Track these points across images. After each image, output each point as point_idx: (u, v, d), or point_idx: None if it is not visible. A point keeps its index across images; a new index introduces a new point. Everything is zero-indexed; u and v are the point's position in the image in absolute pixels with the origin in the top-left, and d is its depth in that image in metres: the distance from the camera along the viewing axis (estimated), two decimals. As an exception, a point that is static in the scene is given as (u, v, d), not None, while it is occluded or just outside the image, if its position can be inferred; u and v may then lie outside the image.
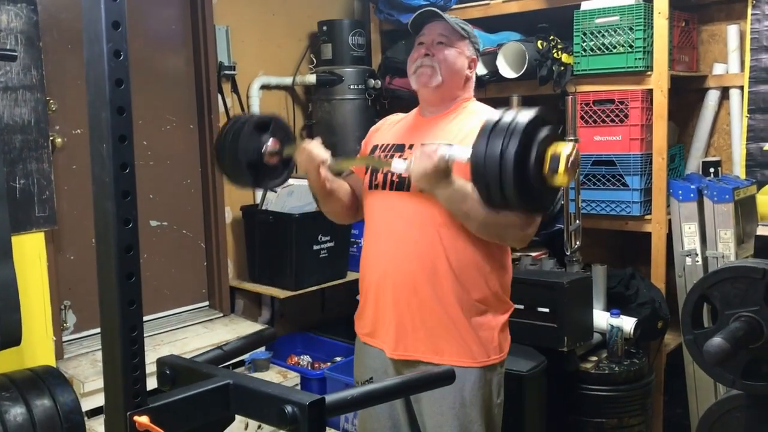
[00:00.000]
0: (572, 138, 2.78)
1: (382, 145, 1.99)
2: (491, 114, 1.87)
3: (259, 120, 1.88)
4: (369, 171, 1.97)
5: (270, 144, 1.84)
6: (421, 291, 1.84)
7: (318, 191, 1.97)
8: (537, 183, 1.37)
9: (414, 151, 1.69)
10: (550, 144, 1.37)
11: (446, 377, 1.38)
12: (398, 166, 1.71)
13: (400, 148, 1.93)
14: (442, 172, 1.63)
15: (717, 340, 1.41)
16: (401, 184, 1.87)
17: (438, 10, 1.90)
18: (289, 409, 1.15)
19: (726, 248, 2.80)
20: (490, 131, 1.41)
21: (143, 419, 1.08)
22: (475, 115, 1.88)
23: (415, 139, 1.90)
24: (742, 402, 1.62)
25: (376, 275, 1.93)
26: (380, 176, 1.92)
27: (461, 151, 1.57)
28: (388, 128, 2.07)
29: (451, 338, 1.84)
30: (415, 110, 2.05)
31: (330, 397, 1.19)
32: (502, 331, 1.90)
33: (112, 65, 1.02)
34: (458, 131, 1.85)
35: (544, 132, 1.38)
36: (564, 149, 1.36)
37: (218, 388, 1.23)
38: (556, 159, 1.35)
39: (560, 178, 1.35)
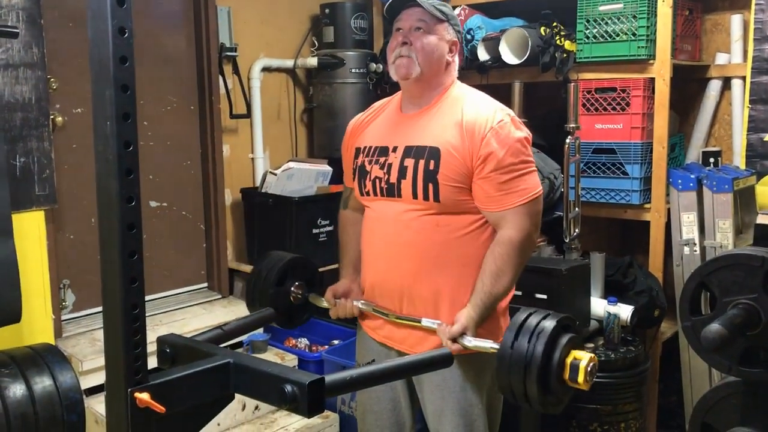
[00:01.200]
0: (573, 125, 2.77)
1: (365, 148, 1.94)
2: (472, 102, 1.85)
3: (280, 272, 1.97)
4: (356, 178, 1.95)
5: (293, 291, 1.99)
6: (420, 290, 1.85)
7: None
8: (556, 385, 1.45)
9: (441, 328, 1.77)
10: (571, 350, 1.46)
11: (444, 360, 1.39)
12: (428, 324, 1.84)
13: (384, 152, 1.89)
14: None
15: (715, 326, 1.42)
16: (391, 191, 1.86)
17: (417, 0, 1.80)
18: (288, 388, 1.16)
19: (724, 238, 2.81)
20: (518, 328, 1.49)
21: (144, 396, 1.09)
22: (456, 105, 1.84)
23: (400, 140, 1.87)
24: (738, 388, 1.63)
25: (377, 278, 1.93)
26: (369, 183, 1.91)
27: (483, 343, 1.69)
28: (368, 126, 2.00)
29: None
30: (396, 100, 1.98)
31: (329, 377, 1.20)
32: (503, 316, 1.91)
33: (116, 42, 1.02)
34: (440, 130, 1.82)
35: (566, 338, 1.47)
36: (583, 359, 1.44)
37: (219, 366, 1.24)
38: (575, 368, 1.43)
39: (580, 385, 1.45)
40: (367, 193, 1.92)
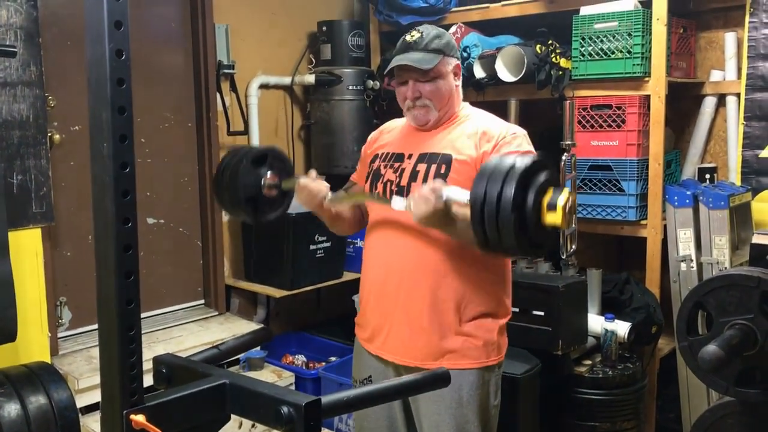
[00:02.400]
0: (569, 142, 2.79)
1: (383, 154, 2.00)
2: (484, 119, 1.91)
3: (256, 153, 1.87)
4: (369, 181, 1.99)
5: (268, 178, 1.83)
6: (421, 298, 1.85)
7: (323, 219, 2.04)
8: (533, 226, 1.39)
9: (412, 193, 1.69)
10: (547, 189, 1.40)
11: (442, 379, 1.38)
12: (398, 206, 1.72)
13: (399, 158, 1.94)
14: (441, 212, 1.63)
15: (712, 348, 1.42)
16: (400, 193, 1.88)
17: (406, 62, 1.83)
18: (285, 409, 1.15)
19: (721, 254, 2.81)
20: (489, 174, 1.43)
21: (139, 418, 1.08)
22: (470, 120, 1.93)
23: (415, 149, 1.92)
24: (735, 409, 1.63)
25: (377, 283, 1.94)
26: (380, 185, 1.94)
27: (459, 193, 1.59)
28: (388, 135, 2.07)
29: (450, 341, 1.85)
30: None
31: (326, 398, 1.19)
32: (500, 333, 1.92)
33: (113, 65, 1.02)
34: (454, 140, 1.88)
35: (542, 177, 1.41)
36: (561, 194, 1.39)
37: (215, 387, 1.23)
38: (553, 203, 1.37)
39: (557, 220, 1.37)
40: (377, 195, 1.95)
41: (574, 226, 2.82)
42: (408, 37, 1.90)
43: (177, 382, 1.35)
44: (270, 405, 1.17)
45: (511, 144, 1.82)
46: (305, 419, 1.14)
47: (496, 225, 1.39)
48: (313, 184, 1.90)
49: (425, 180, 1.84)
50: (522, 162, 1.43)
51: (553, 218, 1.38)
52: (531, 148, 1.86)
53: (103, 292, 1.08)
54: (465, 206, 1.53)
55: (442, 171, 1.84)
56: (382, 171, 1.96)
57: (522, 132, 1.89)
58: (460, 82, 1.97)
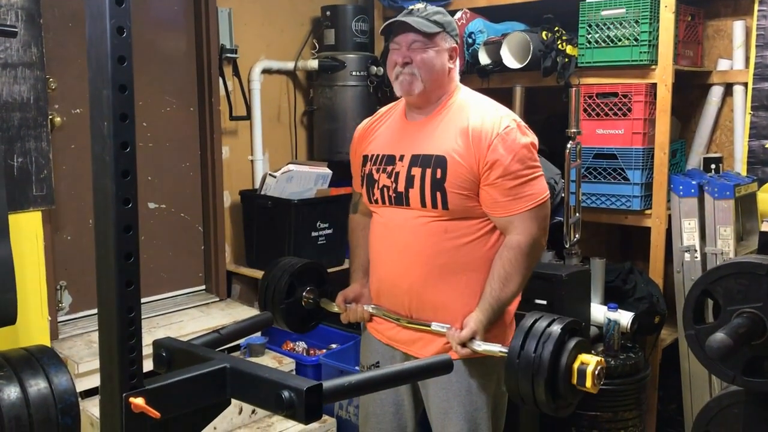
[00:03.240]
0: (575, 130, 2.76)
1: (372, 156, 1.94)
2: (478, 109, 1.85)
3: (292, 276, 2.02)
4: (364, 186, 1.95)
5: (306, 296, 2.03)
6: (429, 295, 1.84)
7: None
8: (564, 388, 1.47)
9: (452, 336, 1.78)
10: (578, 353, 1.48)
11: (444, 366, 1.37)
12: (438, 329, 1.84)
13: (391, 160, 1.89)
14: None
15: (719, 336, 1.40)
16: (399, 199, 1.86)
17: (406, 20, 1.79)
18: (286, 394, 1.14)
19: (725, 245, 2.79)
20: (526, 332, 1.51)
21: (139, 401, 1.07)
22: (461, 112, 1.84)
23: (406, 147, 1.87)
24: (741, 398, 1.61)
25: (386, 284, 1.93)
26: (377, 192, 1.91)
27: (492, 347, 1.70)
28: (375, 131, 2.00)
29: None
30: (401, 106, 1.98)
31: (327, 383, 1.18)
32: (510, 322, 1.91)
33: (114, 42, 1.00)
34: (445, 138, 1.82)
35: (573, 341, 1.48)
36: (590, 364, 1.45)
37: (215, 371, 1.22)
38: (583, 373, 1.45)
39: (588, 388, 1.46)
40: (376, 201, 1.93)
41: (578, 214, 2.80)
42: (411, 6, 1.86)
43: (177, 366, 1.34)
44: (271, 389, 1.16)
45: (505, 141, 1.76)
46: (306, 404, 1.13)
47: (531, 381, 1.47)
48: (352, 316, 2.00)
49: (422, 186, 1.81)
50: (557, 325, 1.50)
51: (585, 383, 1.45)
52: (525, 138, 1.80)
53: (102, 273, 1.07)
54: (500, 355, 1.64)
55: (438, 176, 1.79)
56: (376, 176, 1.91)
57: (515, 123, 1.80)
58: (455, 67, 1.90)
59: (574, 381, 1.45)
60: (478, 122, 1.79)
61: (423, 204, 1.81)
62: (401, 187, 1.85)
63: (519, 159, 1.76)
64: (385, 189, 1.88)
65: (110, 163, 1.02)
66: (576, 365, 1.45)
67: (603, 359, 1.47)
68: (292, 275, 2.00)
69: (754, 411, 1.57)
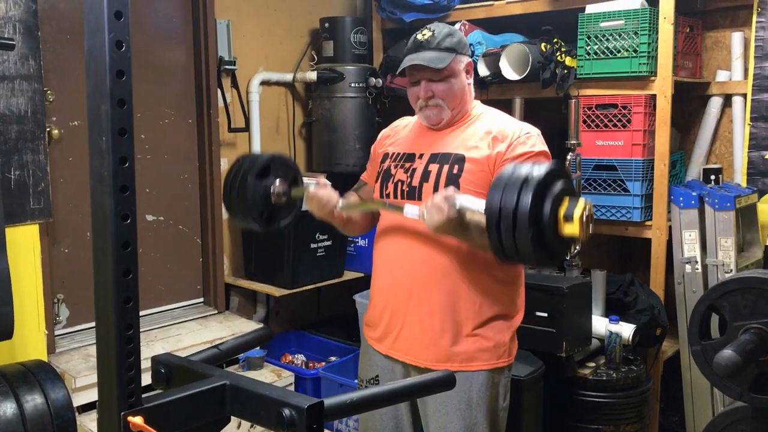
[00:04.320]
0: (574, 142, 2.76)
1: (393, 153, 1.97)
2: (497, 118, 1.89)
3: (261, 163, 1.83)
4: (379, 181, 1.96)
5: (276, 187, 1.81)
6: (432, 298, 1.83)
7: (334, 224, 2.00)
8: (550, 235, 1.36)
9: (425, 201, 1.66)
10: (563, 197, 1.38)
11: (446, 383, 1.35)
12: (411, 213, 1.70)
13: (410, 158, 1.91)
14: (455, 220, 1.61)
15: (728, 353, 1.39)
16: (411, 193, 1.86)
17: (418, 62, 1.81)
18: (287, 412, 1.12)
19: (726, 256, 2.78)
20: (504, 183, 1.40)
21: (137, 420, 1.05)
22: (482, 119, 1.90)
23: (426, 148, 1.90)
24: (747, 414, 1.60)
25: (388, 282, 1.92)
26: (390, 185, 1.91)
27: (473, 202, 1.57)
28: (399, 134, 2.05)
29: (461, 343, 1.83)
30: None
31: (329, 401, 1.16)
32: (512, 335, 1.90)
33: (113, 56, 0.99)
34: (467, 139, 1.85)
35: (558, 186, 1.38)
36: (578, 203, 1.36)
37: (214, 389, 1.20)
38: (569, 214, 1.35)
39: (574, 232, 1.34)
40: (387, 195, 1.93)
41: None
42: (419, 36, 1.86)
43: (176, 382, 1.33)
44: (271, 407, 1.14)
45: (525, 144, 1.79)
46: (307, 422, 1.11)
47: (513, 236, 1.37)
48: (322, 193, 1.87)
49: (437, 180, 1.82)
50: (538, 171, 1.40)
51: (570, 229, 1.35)
52: (545, 147, 1.84)
53: (100, 290, 1.05)
54: (480, 215, 1.51)
55: (455, 171, 1.81)
56: (393, 171, 1.93)
57: (536, 131, 1.86)
58: (472, 80, 1.94)
59: (561, 229, 1.35)
60: (501, 125, 1.85)
61: None
62: (416, 182, 1.86)
63: (536, 160, 1.78)
64: (400, 183, 1.89)
65: (109, 179, 1.00)
66: (562, 209, 1.35)
67: (590, 202, 1.36)
68: (262, 164, 1.81)
69: (760, 427, 1.55)
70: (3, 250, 1.99)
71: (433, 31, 1.85)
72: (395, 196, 1.90)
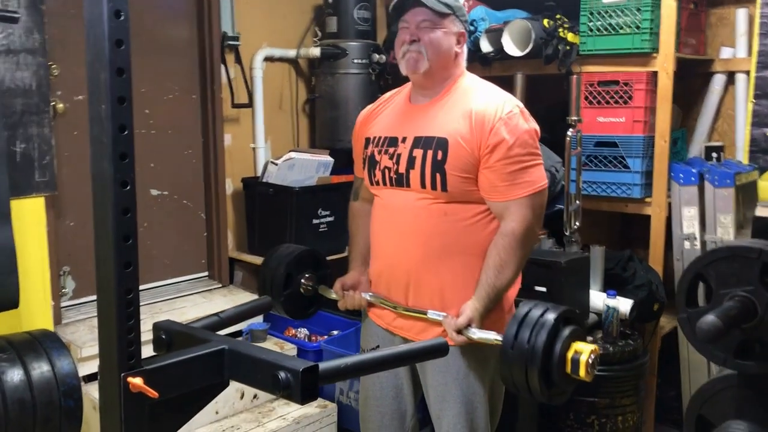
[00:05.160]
0: (575, 118, 2.76)
1: (375, 138, 1.97)
2: (481, 93, 1.86)
3: (290, 263, 2.05)
4: (366, 168, 1.97)
5: (303, 283, 2.06)
6: (427, 278, 1.86)
7: None
8: (558, 376, 1.47)
9: (448, 322, 1.78)
10: (573, 341, 1.48)
11: (440, 349, 1.39)
12: (435, 317, 1.85)
13: (393, 142, 1.91)
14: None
15: (709, 318, 1.42)
16: (400, 181, 1.87)
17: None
18: (282, 375, 1.16)
19: (725, 233, 2.80)
20: (521, 320, 1.52)
21: (137, 380, 1.09)
22: (465, 96, 1.86)
23: (409, 130, 1.89)
24: (734, 382, 1.63)
25: (384, 266, 1.95)
26: (378, 173, 1.92)
27: (488, 335, 1.71)
28: (378, 116, 2.03)
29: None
30: (405, 91, 2.00)
31: (323, 365, 1.20)
32: (509, 308, 1.93)
33: (112, 25, 1.01)
34: (448, 121, 1.83)
35: (568, 329, 1.49)
36: (584, 352, 1.46)
37: (213, 353, 1.24)
38: (576, 362, 1.45)
39: (581, 376, 1.47)
40: (377, 183, 1.94)
41: (578, 202, 2.81)
42: None
43: (177, 348, 1.36)
44: (267, 370, 1.18)
45: (508, 124, 1.77)
46: (302, 385, 1.14)
47: (525, 369, 1.48)
48: (350, 303, 2.03)
49: (423, 167, 1.82)
50: (552, 314, 1.50)
51: (579, 371, 1.46)
52: (527, 125, 1.81)
53: (101, 255, 1.09)
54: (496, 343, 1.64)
55: (439, 158, 1.80)
56: (377, 157, 1.93)
57: (518, 109, 1.82)
58: (462, 52, 1.91)
59: (568, 369, 1.46)
60: (482, 106, 1.81)
61: (423, 185, 1.83)
62: (402, 169, 1.86)
63: (520, 144, 1.78)
64: (387, 170, 1.90)
65: (108, 146, 1.03)
66: (570, 354, 1.46)
67: (597, 347, 1.47)
68: (289, 264, 2.02)
69: (746, 394, 1.58)
70: (8, 222, 2.02)
71: None
72: (384, 183, 1.91)
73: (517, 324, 1.51)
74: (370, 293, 2.00)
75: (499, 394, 1.97)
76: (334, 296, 2.04)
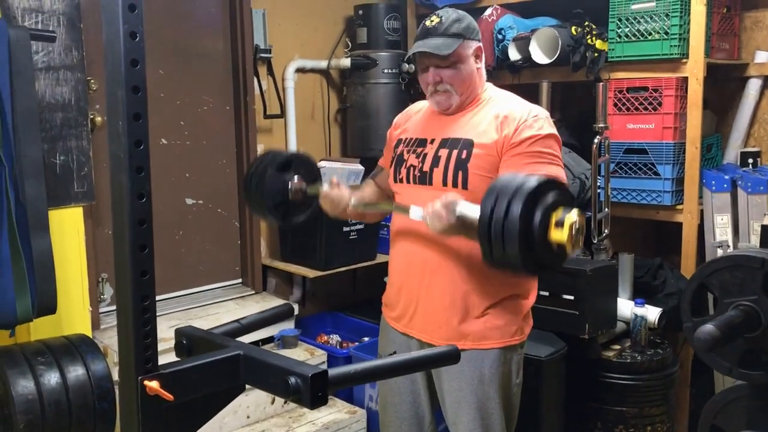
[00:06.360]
0: (602, 125, 2.75)
1: (406, 139, 2.03)
2: (506, 101, 1.91)
3: (282, 159, 1.93)
4: (393, 166, 2.02)
5: (294, 183, 1.90)
6: (445, 278, 1.88)
7: (352, 219, 2.04)
8: (539, 244, 1.40)
9: (426, 207, 1.70)
10: (556, 209, 1.41)
11: (451, 357, 1.40)
12: (415, 216, 1.75)
13: (422, 143, 1.96)
14: (458, 225, 1.66)
15: (707, 327, 1.41)
16: (423, 179, 1.91)
17: (424, 48, 1.84)
18: (292, 380, 1.19)
19: (759, 240, 2.74)
20: (498, 190, 1.45)
21: (153, 384, 1.14)
22: (492, 103, 1.92)
23: (437, 133, 1.94)
24: (746, 391, 1.61)
25: (403, 264, 1.98)
26: (404, 171, 1.97)
27: (472, 209, 1.60)
28: (411, 119, 2.09)
29: (473, 323, 1.88)
30: None
31: (333, 371, 1.23)
32: (525, 314, 1.94)
33: (128, 46, 1.07)
34: (476, 124, 1.88)
35: (551, 196, 1.42)
36: (569, 214, 1.39)
37: (229, 358, 1.28)
38: (560, 222, 1.38)
39: (562, 237, 1.37)
40: (401, 180, 1.98)
41: (606, 210, 2.79)
42: (427, 23, 1.90)
43: (196, 353, 1.41)
44: (279, 375, 1.21)
45: (532, 127, 1.82)
46: (311, 390, 1.17)
47: (502, 240, 1.40)
48: (334, 193, 1.94)
49: (446, 165, 1.86)
50: (533, 180, 1.44)
51: (558, 235, 1.38)
52: (552, 130, 1.85)
53: (119, 263, 1.14)
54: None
55: (463, 157, 1.85)
56: (405, 156, 1.98)
57: (544, 114, 1.87)
58: (482, 65, 1.96)
59: (550, 235, 1.38)
60: (509, 109, 1.87)
61: (444, 182, 1.86)
62: (427, 167, 1.91)
63: (544, 144, 1.81)
64: (412, 168, 1.94)
65: (125, 160, 1.09)
66: (553, 219, 1.39)
67: (582, 216, 1.38)
68: (281, 161, 1.91)
69: (757, 404, 1.56)
70: (46, 231, 2.12)
71: (441, 17, 1.89)
72: (408, 181, 1.95)
73: (495, 193, 1.44)
74: (357, 200, 1.95)
75: (514, 401, 1.97)
76: (323, 188, 1.94)
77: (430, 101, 1.97)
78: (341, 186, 1.96)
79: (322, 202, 1.97)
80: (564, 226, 1.36)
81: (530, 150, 1.80)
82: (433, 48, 1.84)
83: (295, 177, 1.91)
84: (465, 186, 1.84)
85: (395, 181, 2.01)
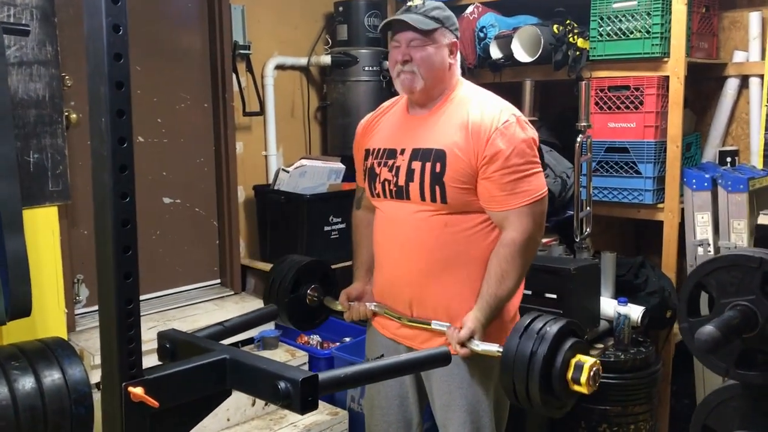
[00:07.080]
0: (585, 124, 2.75)
1: (374, 150, 1.97)
2: (478, 103, 1.85)
3: (296, 274, 2.03)
4: (367, 180, 1.98)
5: (309, 293, 2.05)
6: (430, 289, 1.86)
7: None
8: (559, 388, 1.47)
9: (451, 335, 1.77)
10: (574, 354, 1.48)
11: (442, 358, 1.39)
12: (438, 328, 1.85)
13: (392, 154, 1.91)
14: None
15: (708, 328, 1.40)
16: (400, 193, 1.88)
17: (403, 18, 1.81)
18: (282, 384, 1.17)
19: (739, 239, 2.77)
20: (522, 332, 1.51)
21: (138, 390, 1.10)
22: (462, 106, 1.86)
23: (407, 141, 1.89)
24: (739, 392, 1.61)
25: (388, 278, 1.96)
26: (378, 185, 1.93)
27: (490, 347, 1.70)
28: (377, 126, 2.03)
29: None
30: (403, 101, 1.99)
31: (323, 375, 1.21)
32: (512, 316, 1.92)
33: (111, 39, 1.03)
34: (446, 132, 1.83)
35: (570, 342, 1.49)
36: (587, 362, 1.45)
37: (215, 362, 1.25)
38: (579, 369, 1.45)
39: (582, 389, 1.46)
40: (377, 195, 1.94)
41: (588, 208, 2.79)
42: (410, 2, 1.86)
43: (180, 357, 1.37)
44: (268, 380, 1.19)
45: (504, 136, 1.76)
46: (302, 394, 1.15)
47: (526, 379, 1.47)
48: (355, 314, 2.03)
49: (422, 180, 1.82)
50: (554, 326, 1.49)
51: (578, 389, 1.46)
52: (525, 134, 1.80)
53: (101, 266, 1.10)
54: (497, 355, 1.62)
55: (438, 170, 1.80)
56: (377, 170, 1.93)
57: (515, 118, 1.81)
58: (456, 62, 1.91)
59: (569, 381, 1.46)
60: (478, 116, 1.80)
61: (422, 198, 1.83)
62: (402, 181, 1.87)
63: (518, 153, 1.77)
64: (386, 183, 1.90)
65: (108, 158, 1.05)
66: (571, 366, 1.46)
67: (598, 361, 1.47)
68: (297, 272, 2.02)
69: (750, 404, 1.56)
70: (20, 231, 2.05)
71: (424, 1, 1.85)
72: (385, 196, 1.92)
73: (519, 334, 1.50)
74: (375, 303, 2.01)
75: (504, 403, 1.96)
76: (339, 308, 2.05)
77: (396, 83, 1.89)
78: (355, 304, 2.03)
79: (347, 317, 2.06)
80: (582, 372, 1.44)
81: (506, 165, 1.76)
82: (412, 20, 1.79)
83: (309, 289, 2.05)
84: (444, 200, 1.81)
85: (372, 196, 1.98)
